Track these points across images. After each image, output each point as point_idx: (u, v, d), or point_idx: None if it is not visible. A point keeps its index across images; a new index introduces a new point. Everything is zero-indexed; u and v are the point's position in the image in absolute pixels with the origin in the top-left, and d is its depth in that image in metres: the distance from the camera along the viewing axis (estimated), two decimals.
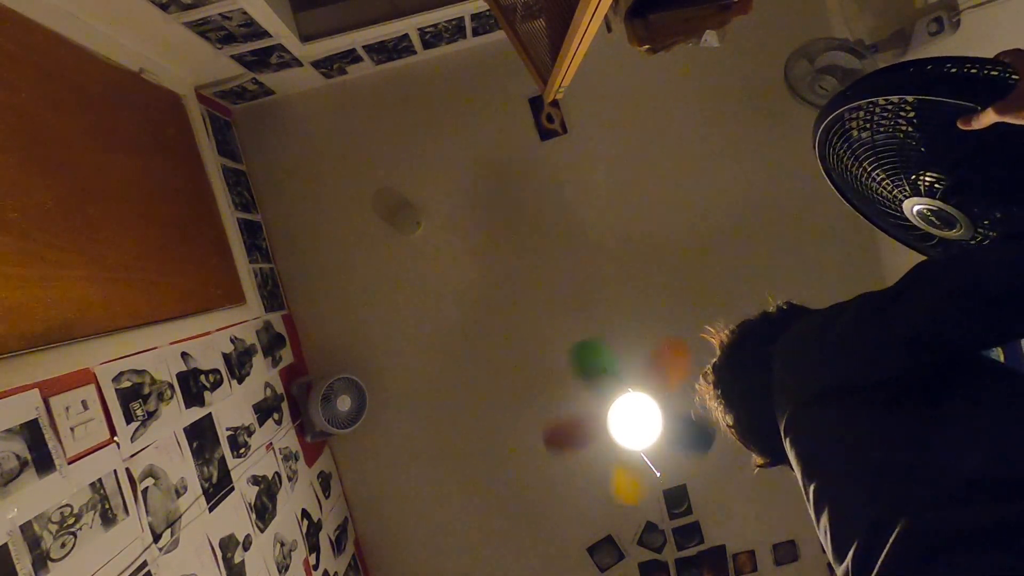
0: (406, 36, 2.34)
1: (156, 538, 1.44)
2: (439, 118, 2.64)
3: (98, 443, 1.34)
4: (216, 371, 1.91)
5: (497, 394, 2.72)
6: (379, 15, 2.19)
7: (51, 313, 1.30)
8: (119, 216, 1.62)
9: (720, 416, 1.05)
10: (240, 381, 2.04)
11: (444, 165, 2.65)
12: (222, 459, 1.82)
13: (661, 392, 2.08)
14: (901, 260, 2.61)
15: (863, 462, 0.71)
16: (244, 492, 1.89)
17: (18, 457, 1.13)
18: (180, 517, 1.55)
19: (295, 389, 2.46)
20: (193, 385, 1.77)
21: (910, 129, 0.96)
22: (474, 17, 2.33)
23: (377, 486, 2.74)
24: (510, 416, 2.71)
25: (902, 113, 0.95)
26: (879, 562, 0.62)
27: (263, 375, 2.24)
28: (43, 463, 1.18)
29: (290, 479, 2.23)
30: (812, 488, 0.77)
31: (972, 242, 1.04)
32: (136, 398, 1.51)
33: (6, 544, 1.06)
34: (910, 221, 1.12)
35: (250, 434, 2.02)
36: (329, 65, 2.41)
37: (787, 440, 0.85)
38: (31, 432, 1.17)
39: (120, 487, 1.37)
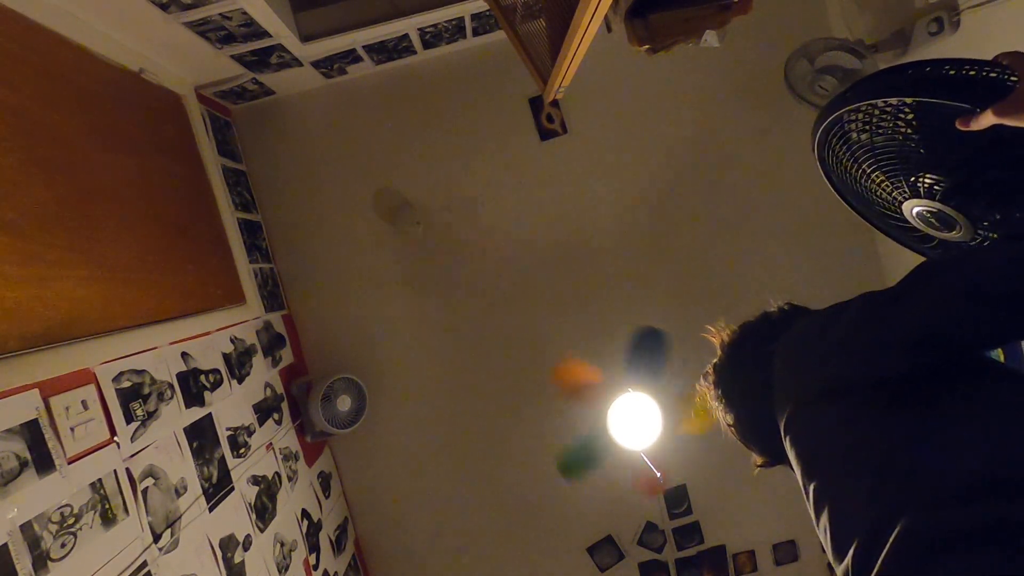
0: (406, 36, 2.34)
1: (156, 538, 1.44)
2: (439, 118, 2.64)
3: (98, 443, 1.34)
4: (216, 371, 1.91)
5: (497, 394, 2.72)
6: (379, 15, 2.19)
7: (51, 313, 1.30)
8: (119, 216, 1.62)
9: (720, 416, 1.05)
10: (240, 381, 2.04)
11: (444, 165, 2.65)
12: (222, 459, 1.82)
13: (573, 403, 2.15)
14: (901, 260, 2.61)
15: (863, 462, 0.71)
16: (244, 492, 1.89)
17: (18, 457, 1.13)
18: (180, 517, 1.55)
19: (295, 389, 2.46)
20: (193, 385, 1.77)
21: (909, 131, 0.96)
22: (474, 17, 2.33)
23: (377, 486, 2.74)
24: (510, 416, 2.71)
25: (901, 115, 0.95)
26: (879, 562, 0.62)
27: (263, 375, 2.24)
28: (43, 463, 1.18)
29: (290, 479, 2.23)
30: (812, 488, 0.77)
31: (972, 243, 1.04)
32: (136, 398, 1.51)
33: (6, 544, 1.06)
34: (910, 223, 1.12)
35: (250, 434, 2.02)
36: (329, 65, 2.41)
37: (787, 439, 0.85)
38: (31, 432, 1.17)
39: (120, 487, 1.37)
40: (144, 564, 1.38)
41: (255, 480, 1.98)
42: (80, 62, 1.63)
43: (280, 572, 1.99)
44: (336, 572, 2.44)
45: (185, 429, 1.67)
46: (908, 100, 0.91)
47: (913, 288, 0.74)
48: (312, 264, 2.65)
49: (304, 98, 2.60)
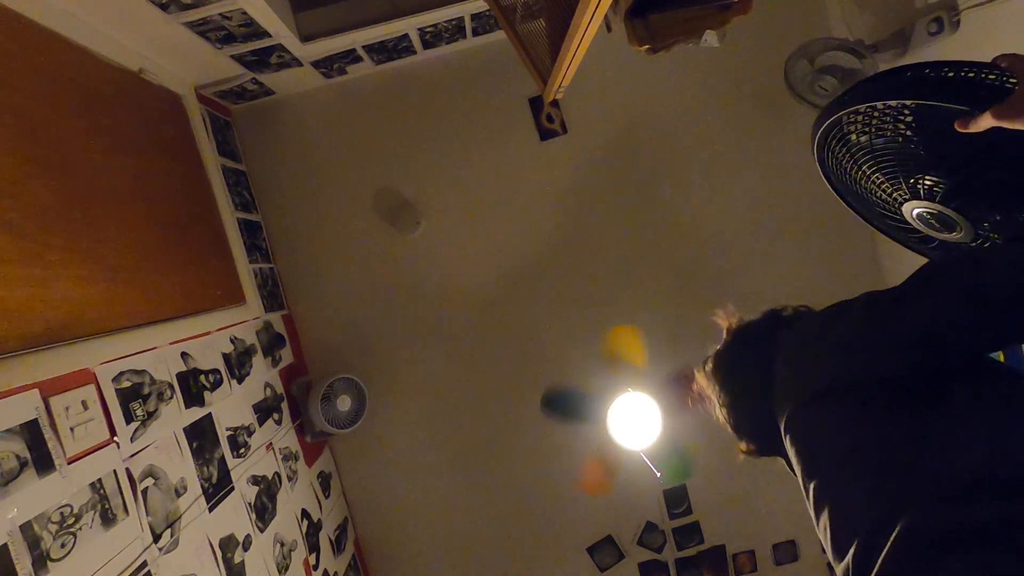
0: (406, 36, 2.34)
1: (156, 538, 1.44)
2: (439, 118, 2.64)
3: (98, 443, 1.34)
4: (216, 371, 1.91)
5: (498, 394, 2.72)
6: (379, 15, 2.19)
7: (51, 313, 1.30)
8: (119, 216, 1.62)
9: (715, 402, 1.05)
10: (240, 381, 2.04)
11: (444, 165, 2.65)
12: (222, 459, 1.82)
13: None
14: (901, 260, 2.61)
15: (864, 461, 0.71)
16: (244, 492, 1.89)
17: (18, 457, 1.13)
18: (180, 517, 1.55)
19: (295, 389, 2.46)
20: (193, 385, 1.77)
21: (909, 133, 0.96)
22: (474, 17, 2.33)
23: (377, 486, 2.74)
24: (511, 416, 2.71)
25: (901, 117, 0.95)
26: (879, 561, 0.62)
27: (263, 375, 2.24)
28: (43, 463, 1.18)
29: (290, 479, 2.23)
30: (812, 487, 0.77)
31: (973, 245, 1.04)
32: (136, 398, 1.51)
33: (6, 544, 1.06)
34: (910, 224, 1.12)
35: (250, 434, 2.02)
36: (329, 65, 2.41)
37: (787, 438, 0.85)
38: (31, 432, 1.17)
39: (120, 487, 1.37)
40: (144, 564, 1.38)
41: (255, 480, 1.98)
42: (80, 62, 1.63)
43: (280, 572, 1.99)
44: (336, 572, 2.44)
45: (185, 429, 1.67)
46: (908, 102, 0.91)
47: (916, 289, 0.74)
48: (312, 264, 2.65)
49: (304, 98, 2.60)
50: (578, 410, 2.19)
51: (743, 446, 1.02)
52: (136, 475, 1.43)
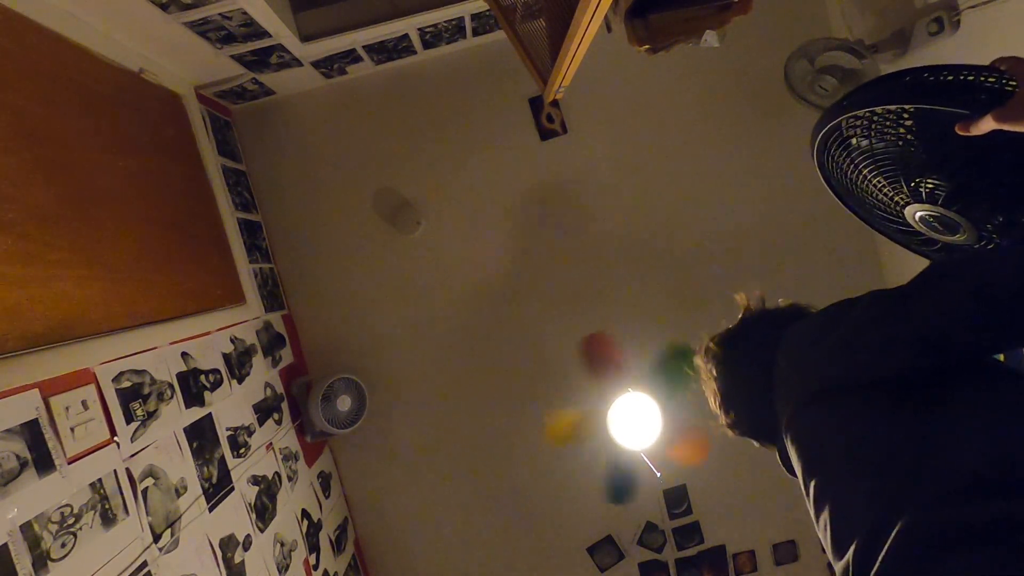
0: (406, 36, 2.34)
1: (156, 538, 1.44)
2: (439, 118, 2.64)
3: (98, 443, 1.34)
4: (216, 371, 1.91)
5: (497, 394, 2.72)
6: (379, 15, 2.19)
7: (51, 313, 1.30)
8: (119, 216, 1.62)
9: (712, 372, 1.06)
10: (240, 381, 2.04)
11: (444, 165, 2.65)
12: (222, 459, 1.82)
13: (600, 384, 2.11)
14: (901, 261, 2.61)
15: (865, 460, 0.71)
16: (244, 492, 1.89)
17: (18, 457, 1.13)
18: (180, 517, 1.55)
19: (295, 389, 2.46)
20: (193, 385, 1.77)
21: (910, 136, 0.96)
22: (474, 17, 2.33)
23: (377, 486, 2.74)
24: (510, 416, 2.71)
25: (901, 121, 0.95)
26: (879, 560, 0.62)
27: (263, 375, 2.24)
28: (43, 463, 1.18)
29: (290, 479, 2.23)
30: (812, 485, 0.77)
31: (977, 246, 1.04)
32: (136, 398, 1.51)
33: (6, 544, 1.06)
34: (912, 226, 1.12)
35: (250, 434, 2.02)
36: (329, 65, 2.41)
37: (788, 437, 0.85)
38: (31, 432, 1.17)
39: (120, 487, 1.37)
40: (144, 564, 1.38)
41: (255, 480, 1.98)
42: (80, 62, 1.63)
43: (280, 572, 1.99)
44: (336, 572, 2.44)
45: (185, 429, 1.67)
46: (907, 107, 0.91)
47: (921, 289, 0.74)
48: (312, 264, 2.65)
49: (304, 98, 2.60)
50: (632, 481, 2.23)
51: (725, 419, 1.03)
52: (136, 475, 1.43)
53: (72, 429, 1.27)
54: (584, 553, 2.79)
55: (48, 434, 1.21)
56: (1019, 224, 0.96)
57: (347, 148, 2.63)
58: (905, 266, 2.57)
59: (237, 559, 1.76)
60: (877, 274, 2.75)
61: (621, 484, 2.26)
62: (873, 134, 1.00)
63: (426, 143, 2.64)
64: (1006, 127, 0.76)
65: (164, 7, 1.72)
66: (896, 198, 1.08)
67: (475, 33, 2.48)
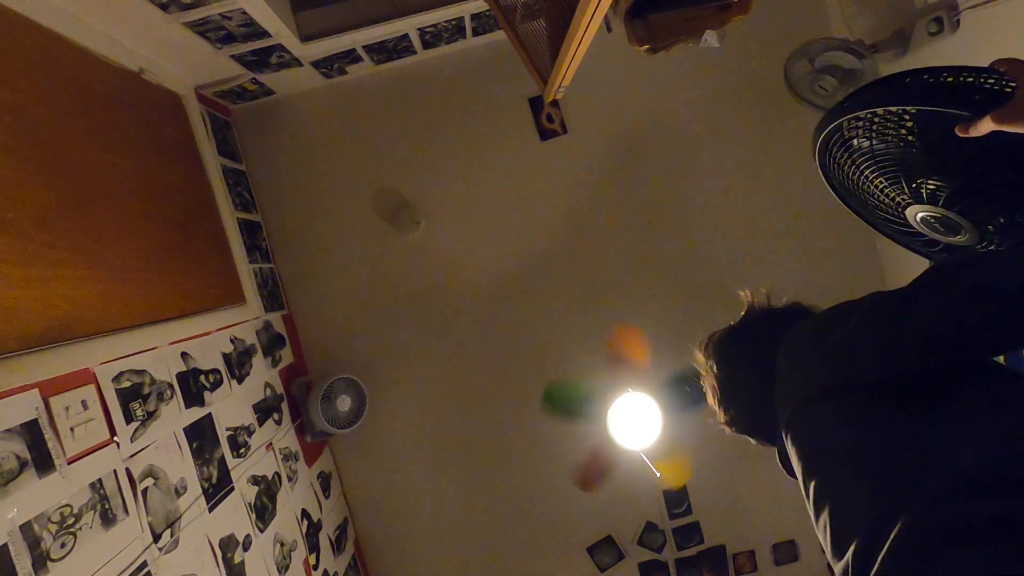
0: (406, 36, 2.34)
1: (156, 538, 1.44)
2: (439, 118, 2.64)
3: (98, 443, 1.34)
4: (216, 371, 1.91)
5: (498, 394, 2.72)
6: (379, 15, 2.19)
7: (51, 313, 1.30)
8: (119, 216, 1.62)
9: (713, 369, 1.06)
10: (240, 381, 2.04)
11: (444, 165, 2.65)
12: (222, 459, 1.82)
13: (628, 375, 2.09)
14: (901, 261, 2.61)
15: (865, 460, 0.71)
16: (244, 492, 1.89)
17: (18, 457, 1.13)
18: (180, 517, 1.55)
19: (295, 389, 2.46)
20: (193, 385, 1.77)
21: (911, 138, 0.96)
22: (474, 17, 2.33)
23: (377, 486, 2.74)
24: (511, 416, 2.71)
25: (902, 122, 0.95)
26: (879, 559, 0.62)
27: (263, 375, 2.24)
28: (43, 463, 1.18)
29: (290, 479, 2.23)
30: (812, 485, 0.77)
31: (979, 247, 1.04)
32: (136, 398, 1.51)
33: (6, 544, 1.06)
34: (914, 227, 1.12)
35: (250, 434, 2.02)
36: (329, 65, 2.41)
37: (788, 436, 0.85)
38: (31, 432, 1.17)
39: (120, 487, 1.37)
40: (144, 564, 1.38)
41: (255, 480, 1.98)
42: (80, 62, 1.63)
43: (280, 572, 1.99)
44: (336, 572, 2.44)
45: (185, 429, 1.67)
46: (908, 108, 0.92)
47: (923, 290, 0.74)
48: (312, 264, 2.65)
49: (304, 98, 2.60)
50: (580, 407, 2.17)
51: (724, 417, 1.03)
52: (136, 475, 1.43)
53: (72, 429, 1.27)
54: (584, 553, 2.79)
55: (48, 434, 1.21)
56: (1020, 225, 0.96)
57: (347, 148, 2.63)
58: (905, 266, 2.57)
59: (237, 559, 1.76)
60: (878, 274, 2.75)
61: (565, 397, 2.22)
62: (874, 135, 1.00)
63: (426, 143, 2.64)
64: (1005, 128, 0.76)
65: (164, 7, 1.72)
66: (897, 199, 1.08)
67: (475, 33, 2.48)
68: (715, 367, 1.06)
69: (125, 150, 1.74)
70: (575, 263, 2.70)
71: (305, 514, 2.29)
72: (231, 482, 1.84)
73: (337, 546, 2.51)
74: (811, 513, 0.78)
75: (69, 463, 1.24)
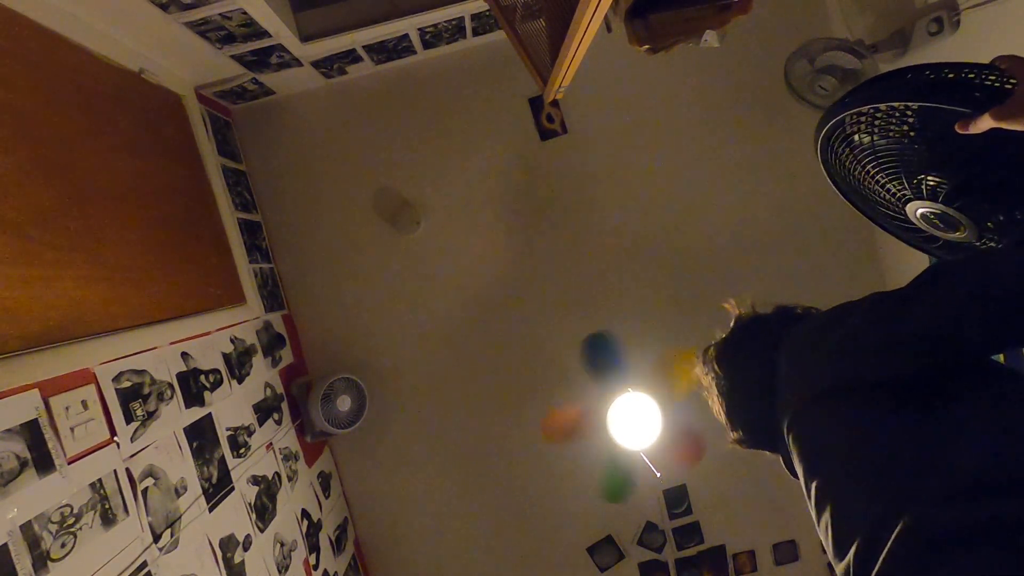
0: (406, 36, 2.34)
1: (156, 538, 1.44)
2: (439, 118, 2.64)
3: (98, 443, 1.34)
4: (216, 371, 1.91)
5: (498, 394, 2.72)
6: (379, 15, 2.19)
7: (51, 313, 1.30)
8: (119, 216, 1.62)
9: (713, 388, 1.05)
10: (240, 381, 2.04)
11: (444, 165, 2.65)
12: (222, 459, 1.82)
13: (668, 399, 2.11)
14: (901, 260, 2.61)
15: (866, 461, 0.71)
16: (244, 492, 1.89)
17: (18, 457, 1.13)
18: (180, 517, 1.55)
19: (295, 389, 2.46)
20: (193, 385, 1.77)
21: (912, 133, 0.96)
22: (474, 17, 2.33)
23: (377, 486, 2.74)
24: (511, 416, 2.71)
25: (903, 118, 0.95)
26: (880, 560, 0.62)
27: (263, 375, 2.24)
28: (43, 463, 1.18)
29: (290, 479, 2.23)
30: (814, 485, 0.77)
31: (978, 244, 1.05)
32: (136, 398, 1.51)
33: (6, 544, 1.06)
34: (914, 224, 1.12)
35: (250, 434, 2.02)
36: (329, 65, 2.41)
37: (790, 437, 0.85)
38: (31, 432, 1.17)
39: (120, 487, 1.37)
40: (144, 564, 1.38)
41: (255, 480, 1.98)
42: (80, 62, 1.63)
43: (280, 572, 1.99)
44: (336, 572, 2.44)
45: (185, 429, 1.67)
46: (910, 104, 0.92)
47: (922, 290, 0.75)
48: (312, 264, 2.65)
49: (304, 98, 2.60)
50: (612, 362, 2.17)
51: (733, 436, 1.03)
52: (136, 475, 1.43)
53: (72, 429, 1.27)
54: (584, 553, 2.79)
55: (48, 434, 1.21)
56: (1019, 222, 0.96)
57: (347, 148, 2.63)
58: (905, 265, 2.57)
59: (237, 559, 1.76)
60: (877, 273, 2.75)
61: (620, 481, 2.25)
62: (876, 131, 1.00)
63: (426, 143, 2.64)
64: (1005, 125, 0.76)
65: (164, 7, 1.72)
66: (898, 194, 1.08)
67: (475, 33, 2.48)
68: (715, 379, 1.05)
69: (125, 150, 1.74)
70: (575, 263, 2.70)
71: (305, 514, 2.29)
72: (231, 482, 1.84)
73: (337, 546, 2.51)
74: (812, 513, 0.78)
75: (69, 463, 1.24)
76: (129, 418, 1.46)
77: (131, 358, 1.53)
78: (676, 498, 2.79)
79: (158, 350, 1.65)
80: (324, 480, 2.55)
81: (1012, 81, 0.79)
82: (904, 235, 1.22)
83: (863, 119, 1.00)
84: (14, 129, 1.32)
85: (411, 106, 2.63)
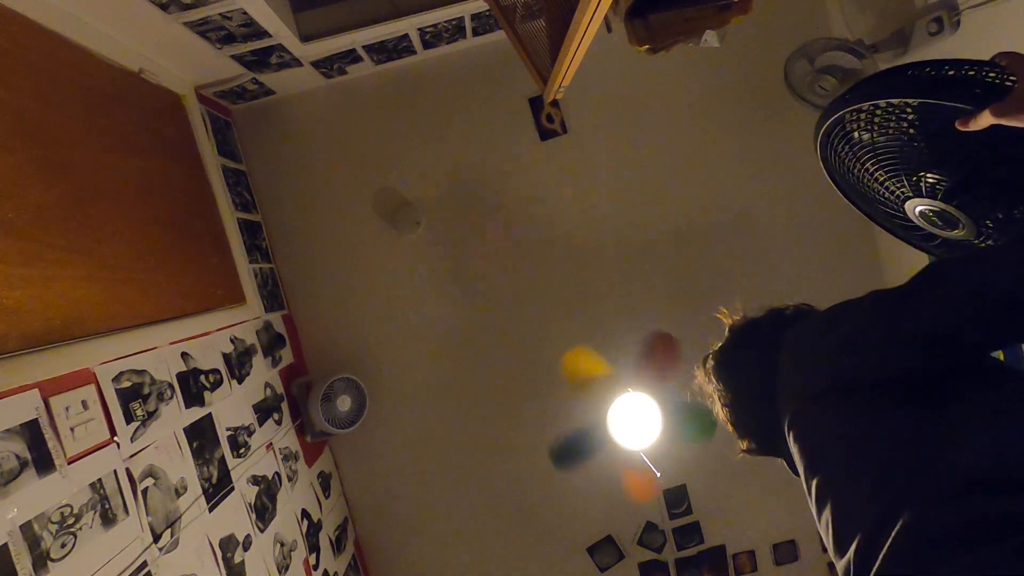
0: (406, 36, 2.34)
1: (156, 538, 1.44)
2: (439, 118, 2.64)
3: (98, 443, 1.34)
4: (216, 371, 1.91)
5: (497, 393, 2.72)
6: (379, 15, 2.19)
7: (51, 313, 1.30)
8: (119, 216, 1.62)
9: (716, 400, 1.06)
10: (240, 381, 2.04)
11: (444, 165, 2.65)
12: (222, 459, 1.82)
13: (655, 385, 2.07)
14: (900, 260, 2.61)
15: (868, 458, 0.71)
16: (244, 492, 1.89)
17: (18, 457, 1.13)
18: (180, 517, 1.55)
19: (295, 389, 2.46)
20: (193, 385, 1.77)
21: (912, 131, 0.96)
22: (474, 17, 2.33)
23: (377, 486, 2.74)
24: (511, 415, 2.71)
25: (903, 115, 0.95)
26: (880, 557, 0.62)
27: (263, 375, 2.24)
28: (43, 463, 1.18)
29: (290, 479, 2.23)
30: (815, 483, 0.78)
31: (976, 242, 1.05)
32: (136, 398, 1.51)
33: (6, 544, 1.06)
34: (913, 222, 1.12)
35: (250, 434, 2.02)
36: (329, 65, 2.41)
37: (791, 435, 0.85)
38: (31, 432, 1.17)
39: (120, 487, 1.36)
40: (144, 564, 1.38)
41: (255, 480, 1.98)
42: (80, 62, 1.63)
43: (280, 572, 1.99)
44: (336, 572, 2.44)
45: (185, 429, 1.67)
46: (910, 101, 0.92)
47: (920, 288, 0.75)
48: (312, 264, 2.65)
49: (304, 98, 2.60)
50: (588, 449, 2.17)
51: (743, 444, 1.02)
52: (136, 475, 1.43)
53: (72, 429, 1.27)
54: (584, 553, 2.79)
55: (48, 434, 1.21)
56: (1018, 220, 0.96)
57: (347, 148, 2.63)
58: (905, 265, 2.57)
59: (237, 559, 1.76)
60: (877, 273, 2.75)
61: (570, 449, 2.21)
62: (875, 128, 1.00)
63: (426, 143, 2.64)
64: (1005, 122, 0.76)
65: (164, 7, 1.72)
66: (897, 192, 1.08)
67: (475, 33, 2.48)
68: (716, 390, 1.05)
69: (125, 150, 1.74)
70: (575, 263, 2.70)
71: (305, 514, 2.29)
72: (231, 482, 1.84)
73: (337, 546, 2.51)
74: (813, 511, 0.78)
75: (69, 463, 1.24)
76: (129, 418, 1.46)
77: (131, 358, 1.53)
78: (676, 498, 2.79)
79: (158, 350, 1.65)
80: (324, 480, 2.55)
81: (1012, 78, 0.79)
82: (903, 233, 1.22)
83: (863, 116, 1.00)
84: (14, 129, 1.32)
85: (411, 106, 2.63)
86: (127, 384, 1.49)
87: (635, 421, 2.17)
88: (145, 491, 1.45)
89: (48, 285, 1.31)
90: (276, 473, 2.14)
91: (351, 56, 2.38)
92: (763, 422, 0.93)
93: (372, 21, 2.19)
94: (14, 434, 1.14)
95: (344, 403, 2.42)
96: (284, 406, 2.36)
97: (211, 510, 1.69)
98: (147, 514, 1.43)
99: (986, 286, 0.69)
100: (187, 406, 1.71)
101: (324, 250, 2.65)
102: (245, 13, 1.84)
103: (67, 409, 1.28)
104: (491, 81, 2.62)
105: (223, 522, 1.74)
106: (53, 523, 1.17)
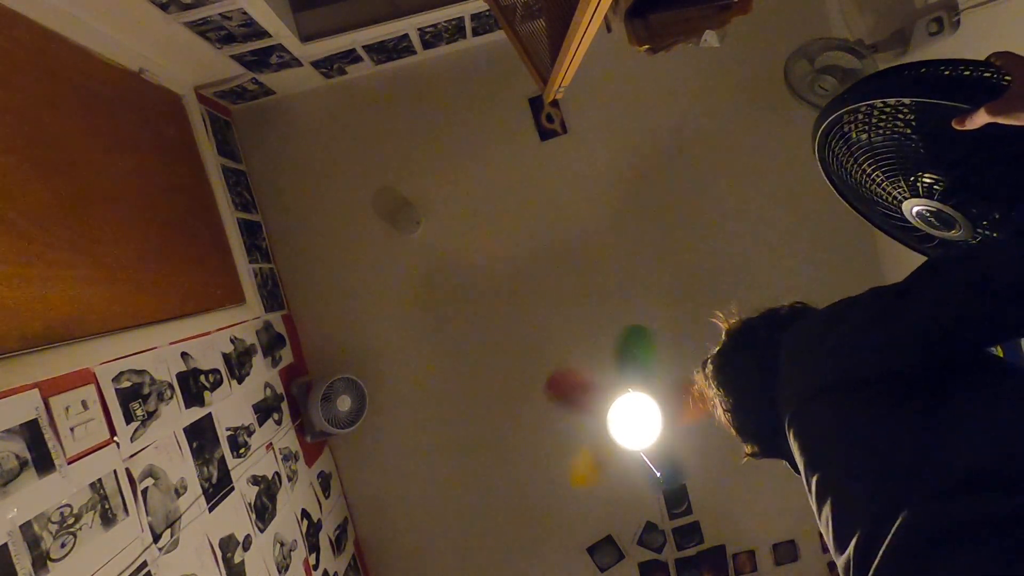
0: (406, 36, 2.34)
1: (156, 538, 1.44)
2: (439, 118, 2.64)
3: (98, 443, 1.34)
4: (216, 371, 1.91)
5: (498, 394, 2.72)
6: (379, 15, 2.19)
7: (51, 313, 1.30)
8: (119, 216, 1.62)
9: (717, 404, 1.06)
10: (240, 381, 2.04)
11: (444, 165, 2.65)
12: (222, 459, 1.82)
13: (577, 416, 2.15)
14: (901, 261, 2.61)
15: (867, 455, 0.72)
16: (244, 492, 1.89)
17: (18, 457, 1.13)
18: (180, 517, 1.55)
19: (295, 389, 2.46)
20: (193, 385, 1.77)
21: (908, 131, 0.96)
22: (474, 17, 2.33)
23: (377, 486, 2.74)
24: (511, 415, 2.71)
25: (899, 115, 0.96)
26: (880, 553, 0.62)
27: (263, 375, 2.24)
28: (43, 463, 1.18)
29: (290, 479, 2.23)
30: (815, 480, 0.78)
31: (972, 242, 1.05)
32: (136, 398, 1.51)
33: (6, 544, 1.06)
34: (910, 222, 1.12)
35: (250, 434, 2.02)
36: (329, 65, 2.41)
37: (791, 433, 0.85)
38: (31, 432, 1.17)
39: (120, 487, 1.36)
40: (144, 564, 1.38)
41: (255, 480, 1.98)
42: (80, 62, 1.63)
43: (280, 572, 1.99)
44: (336, 572, 2.44)
45: (185, 429, 1.67)
46: (907, 100, 0.92)
47: (920, 283, 0.75)
48: (312, 264, 2.65)
49: (304, 98, 2.60)
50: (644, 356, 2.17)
51: (747, 448, 1.02)
52: (136, 475, 1.43)
53: (72, 429, 1.27)
54: (584, 553, 2.79)
55: (48, 434, 1.21)
56: (1015, 220, 0.96)
57: (347, 148, 2.63)
58: (903, 264, 2.56)
59: (237, 559, 1.76)
60: (877, 273, 2.75)
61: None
62: (872, 128, 1.00)
63: (426, 143, 2.64)
64: (1000, 120, 0.76)
65: (164, 7, 1.72)
66: (895, 193, 1.08)
67: (475, 33, 2.48)
68: (717, 391, 1.05)
69: (125, 150, 1.74)
70: (574, 263, 2.70)
71: (305, 514, 2.29)
72: (231, 482, 1.84)
73: (337, 546, 2.51)
74: (814, 508, 0.78)
75: (69, 463, 1.24)
76: (129, 418, 1.46)
77: (131, 358, 1.53)
78: (676, 498, 2.79)
79: (158, 350, 1.65)
80: (324, 480, 2.55)
81: (1007, 77, 0.79)
82: (900, 234, 1.22)
83: (860, 116, 1.00)
84: (14, 129, 1.32)
85: (411, 106, 2.63)
86: (127, 384, 1.49)
87: (635, 421, 2.17)
88: (145, 491, 1.45)
89: (48, 285, 1.31)
90: (276, 473, 2.14)
91: (351, 56, 2.38)
92: (765, 424, 0.93)
93: (372, 21, 2.19)
94: (14, 434, 1.14)
95: (344, 403, 2.42)
96: (284, 406, 2.36)
97: (211, 510, 1.69)
98: (147, 514, 1.43)
99: (983, 280, 0.69)
100: (187, 406, 1.71)
101: (324, 250, 2.65)
102: (245, 13, 1.84)
103: (67, 409, 1.28)
104: (491, 81, 2.62)
105: (223, 522, 1.74)
106: (53, 523, 1.17)
